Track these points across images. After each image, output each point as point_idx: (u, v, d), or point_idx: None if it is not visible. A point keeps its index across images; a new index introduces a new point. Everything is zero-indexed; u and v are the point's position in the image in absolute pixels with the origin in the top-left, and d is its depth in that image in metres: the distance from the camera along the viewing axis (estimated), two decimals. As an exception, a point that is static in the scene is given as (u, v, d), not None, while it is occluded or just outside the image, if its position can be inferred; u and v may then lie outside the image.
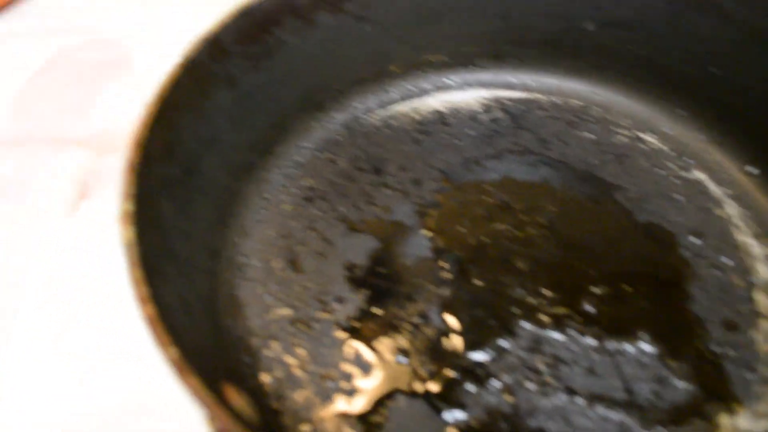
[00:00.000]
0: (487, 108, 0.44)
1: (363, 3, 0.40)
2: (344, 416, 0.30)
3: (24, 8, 0.53)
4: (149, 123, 0.29)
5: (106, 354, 0.34)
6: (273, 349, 0.32)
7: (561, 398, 0.30)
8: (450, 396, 0.30)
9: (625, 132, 0.42)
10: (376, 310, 0.33)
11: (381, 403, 0.30)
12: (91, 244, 0.37)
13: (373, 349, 0.32)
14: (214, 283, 0.33)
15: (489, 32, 0.44)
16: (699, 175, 0.39)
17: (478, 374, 0.31)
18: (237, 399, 0.25)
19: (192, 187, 0.33)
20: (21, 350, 0.34)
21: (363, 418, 0.30)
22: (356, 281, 0.34)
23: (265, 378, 0.31)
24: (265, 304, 0.33)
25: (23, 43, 0.48)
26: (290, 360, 0.31)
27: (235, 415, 0.21)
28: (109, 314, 0.35)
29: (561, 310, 0.33)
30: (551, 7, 0.43)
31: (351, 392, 0.30)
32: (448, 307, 0.33)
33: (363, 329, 0.32)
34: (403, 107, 0.44)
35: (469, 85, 0.45)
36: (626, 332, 0.32)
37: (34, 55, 0.47)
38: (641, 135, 0.42)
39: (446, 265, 0.35)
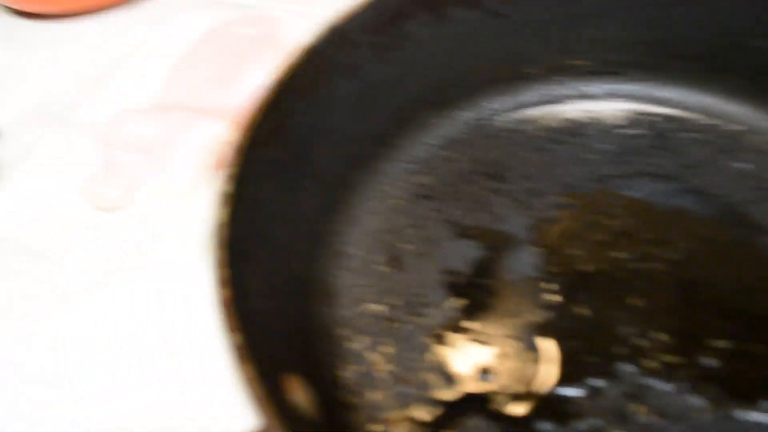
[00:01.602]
0: (631, 123, 0.40)
1: (505, -1, 0.38)
2: (416, 423, 0.29)
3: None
4: (262, 107, 0.30)
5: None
6: (358, 344, 0.31)
7: (653, 457, 0.27)
8: (527, 428, 0.28)
9: (790, 167, 0.37)
10: (469, 323, 0.32)
11: (455, 418, 0.29)
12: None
13: (457, 361, 0.30)
14: (312, 269, 0.33)
15: (643, 40, 0.40)
16: None
17: (562, 411, 0.28)
18: (300, 392, 0.25)
19: (301, 173, 0.33)
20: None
21: (434, 429, 0.28)
22: (454, 289, 0.33)
23: (345, 371, 0.31)
24: (358, 297, 0.33)
25: (182, 17, 0.52)
26: (373, 357, 0.31)
27: (284, 411, 0.21)
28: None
29: (674, 359, 0.29)
30: (716, 17, 0.38)
31: (427, 401, 0.29)
32: (545, 333, 0.31)
33: (452, 340, 0.31)
34: (537, 112, 0.41)
35: (614, 96, 0.42)
36: (746, 397, 0.28)
37: (192, 28, 0.50)
38: (810, 173, 0.36)
39: (552, 288, 0.32)
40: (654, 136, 0.39)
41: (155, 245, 0.38)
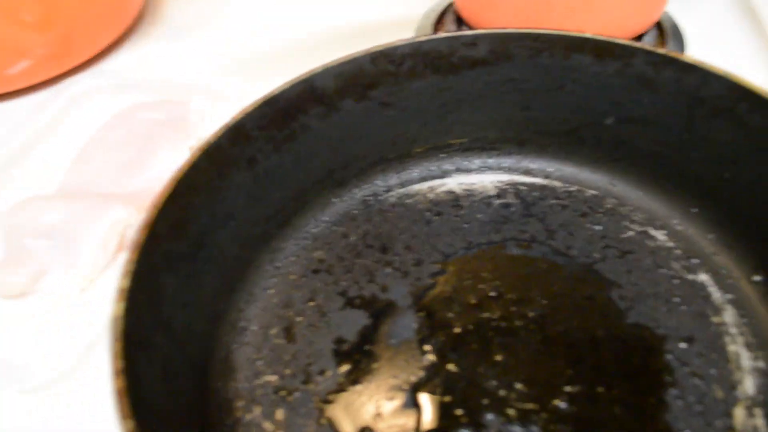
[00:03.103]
0: (502, 193, 0.45)
1: (388, 91, 0.44)
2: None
3: (102, 67, 0.61)
4: (159, 205, 0.33)
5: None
6: (254, 414, 0.35)
7: (512, 496, 0.31)
8: (404, 480, 0.32)
9: (635, 227, 0.42)
10: (354, 386, 0.35)
11: (340, 478, 0.32)
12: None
13: (342, 424, 0.34)
14: (212, 346, 0.36)
15: (511, 120, 0.46)
16: (702, 277, 0.39)
17: (434, 461, 0.32)
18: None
19: (200, 260, 0.36)
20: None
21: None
22: (341, 356, 0.37)
23: (241, 441, 0.34)
24: (255, 370, 0.37)
25: (92, 101, 0.55)
26: (267, 425, 0.34)
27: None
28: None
29: (530, 406, 0.34)
30: (571, 101, 0.44)
31: (316, 464, 0.33)
32: (421, 391, 0.35)
33: (338, 402, 0.35)
34: (421, 187, 0.46)
35: (489, 168, 0.47)
36: (591, 435, 0.33)
37: (101, 112, 0.54)
38: (651, 231, 0.42)
39: (428, 349, 0.37)
40: (521, 205, 0.44)
41: (60, 335, 0.41)
